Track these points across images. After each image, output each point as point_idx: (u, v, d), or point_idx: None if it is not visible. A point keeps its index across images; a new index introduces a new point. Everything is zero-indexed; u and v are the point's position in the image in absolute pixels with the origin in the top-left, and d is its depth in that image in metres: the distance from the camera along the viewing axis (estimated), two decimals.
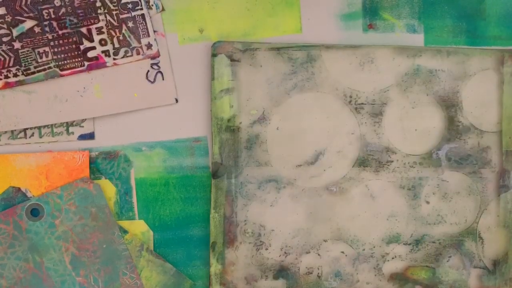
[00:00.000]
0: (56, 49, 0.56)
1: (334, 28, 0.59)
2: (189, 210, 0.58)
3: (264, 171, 0.58)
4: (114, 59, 0.57)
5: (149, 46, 0.57)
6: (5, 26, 0.56)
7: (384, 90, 0.58)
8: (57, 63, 0.56)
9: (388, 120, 0.58)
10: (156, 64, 0.58)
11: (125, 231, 0.57)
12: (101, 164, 0.58)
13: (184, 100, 0.58)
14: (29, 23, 0.56)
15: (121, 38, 0.57)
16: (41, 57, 0.56)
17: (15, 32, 0.56)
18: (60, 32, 0.56)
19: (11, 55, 0.56)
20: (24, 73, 0.56)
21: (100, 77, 0.57)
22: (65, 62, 0.56)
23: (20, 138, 0.57)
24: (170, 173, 0.58)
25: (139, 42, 0.57)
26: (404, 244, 0.59)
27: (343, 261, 0.59)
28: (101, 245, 0.57)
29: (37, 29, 0.56)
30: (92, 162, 0.57)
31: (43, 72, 0.56)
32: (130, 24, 0.57)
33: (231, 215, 0.58)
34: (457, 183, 0.59)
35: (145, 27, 0.57)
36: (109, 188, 0.57)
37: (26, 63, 0.56)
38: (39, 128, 0.57)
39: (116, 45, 0.57)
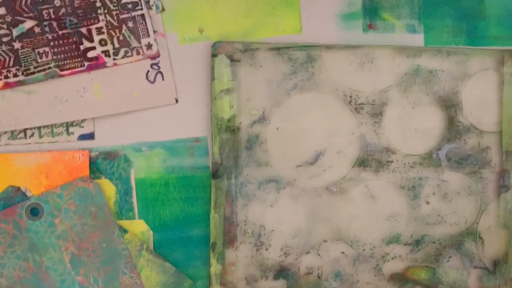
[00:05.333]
0: (56, 49, 0.56)
1: (334, 28, 0.59)
2: (189, 210, 0.58)
3: (264, 171, 0.58)
4: (114, 59, 0.57)
5: (149, 46, 0.57)
6: (5, 26, 0.56)
7: (384, 90, 0.58)
8: (57, 63, 0.56)
9: (388, 120, 0.58)
10: (156, 64, 0.58)
11: (125, 231, 0.57)
12: (101, 164, 0.58)
13: (184, 100, 0.58)
14: (29, 23, 0.56)
15: (121, 38, 0.57)
16: (41, 57, 0.56)
17: (15, 32, 0.56)
18: (60, 32, 0.56)
19: (11, 55, 0.56)
20: (24, 73, 0.56)
21: (100, 77, 0.57)
22: (65, 62, 0.56)
23: (20, 138, 0.57)
24: (170, 173, 0.58)
25: (139, 42, 0.57)
26: (404, 244, 0.59)
27: (343, 261, 0.59)
28: (100, 245, 0.57)
29: (37, 29, 0.56)
30: (92, 162, 0.57)
31: (43, 72, 0.56)
32: (130, 24, 0.57)
33: (231, 215, 0.58)
34: (457, 183, 0.59)
35: (145, 27, 0.57)
36: (109, 188, 0.57)
37: (26, 63, 0.56)
38: (39, 128, 0.57)
39: (116, 45, 0.57)
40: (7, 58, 0.56)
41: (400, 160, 0.58)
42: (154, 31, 0.57)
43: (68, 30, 0.56)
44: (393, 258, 0.59)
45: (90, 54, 0.57)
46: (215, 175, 0.57)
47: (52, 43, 0.56)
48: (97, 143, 0.58)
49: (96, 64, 0.57)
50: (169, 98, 0.58)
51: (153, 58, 0.57)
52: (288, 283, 0.58)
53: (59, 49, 0.56)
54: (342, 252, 0.59)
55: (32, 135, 0.57)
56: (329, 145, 0.58)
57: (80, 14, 0.56)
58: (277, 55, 0.58)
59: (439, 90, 0.59)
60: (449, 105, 0.59)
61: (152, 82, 0.57)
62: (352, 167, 0.58)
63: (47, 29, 0.56)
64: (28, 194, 0.56)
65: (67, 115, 0.57)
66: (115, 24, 0.57)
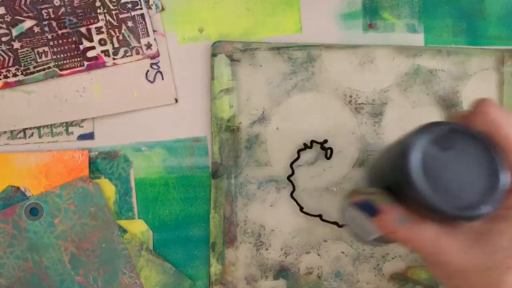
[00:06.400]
0: (55, 49, 0.56)
1: (334, 28, 0.59)
2: (189, 210, 0.58)
3: (264, 171, 0.58)
4: (113, 59, 0.57)
5: (148, 46, 0.57)
6: (4, 25, 0.56)
7: (384, 90, 0.58)
8: (56, 63, 0.56)
9: (388, 120, 0.58)
10: (156, 64, 0.57)
11: (124, 231, 0.57)
12: (100, 164, 0.58)
13: (184, 100, 0.58)
14: (28, 23, 0.56)
15: (120, 38, 0.57)
16: (40, 57, 0.56)
17: (15, 32, 0.56)
18: (59, 32, 0.56)
19: (11, 55, 0.56)
20: (24, 73, 0.56)
21: (100, 77, 0.57)
22: (65, 62, 0.56)
23: (20, 138, 0.57)
24: (169, 173, 0.58)
25: (139, 42, 0.57)
26: None
27: (343, 261, 0.59)
28: (100, 245, 0.57)
29: (36, 29, 0.56)
30: (92, 162, 0.57)
31: (42, 72, 0.56)
32: (130, 23, 0.57)
33: (231, 215, 0.58)
34: None
35: (144, 27, 0.57)
36: (108, 188, 0.57)
37: (26, 63, 0.56)
38: (38, 128, 0.57)
39: (116, 45, 0.57)
40: (7, 58, 0.56)
41: None
42: (154, 31, 0.57)
43: (68, 30, 0.56)
44: (393, 258, 0.59)
45: (90, 53, 0.57)
46: (215, 175, 0.57)
47: (51, 43, 0.56)
48: (96, 143, 0.58)
49: (96, 63, 0.57)
50: (169, 98, 0.58)
51: (152, 57, 0.57)
52: (288, 283, 0.58)
53: (59, 49, 0.56)
54: (342, 252, 0.59)
55: (32, 135, 0.57)
56: (329, 145, 0.58)
57: (80, 14, 0.56)
58: (277, 55, 0.58)
59: (439, 90, 0.59)
60: (449, 105, 0.59)
61: (152, 82, 0.57)
62: (352, 167, 0.58)
63: (46, 28, 0.56)
64: (28, 194, 0.56)
65: (66, 115, 0.57)
66: (115, 23, 0.57)
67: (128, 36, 0.57)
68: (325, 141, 0.58)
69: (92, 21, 0.56)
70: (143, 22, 0.57)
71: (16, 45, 0.56)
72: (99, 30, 0.57)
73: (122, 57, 0.57)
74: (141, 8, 0.57)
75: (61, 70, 0.56)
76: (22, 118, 0.56)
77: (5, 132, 0.57)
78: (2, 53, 0.56)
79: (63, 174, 0.57)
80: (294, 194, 0.58)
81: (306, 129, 0.58)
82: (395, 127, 0.58)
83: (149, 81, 0.57)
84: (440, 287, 0.59)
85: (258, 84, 0.58)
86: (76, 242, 0.56)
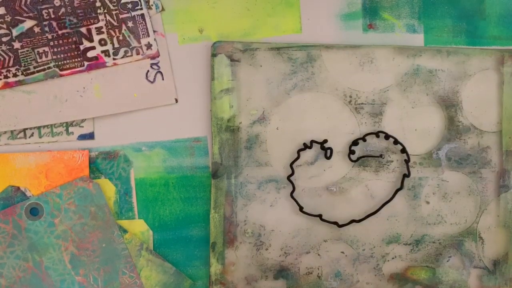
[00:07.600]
0: (55, 49, 0.56)
1: (334, 28, 0.59)
2: (189, 210, 0.58)
3: (264, 171, 0.58)
4: (113, 59, 0.57)
5: (148, 46, 0.57)
6: (4, 26, 0.56)
7: (384, 90, 0.58)
8: (56, 63, 0.56)
9: (388, 120, 0.58)
10: (156, 64, 0.58)
11: (124, 231, 0.57)
12: (101, 164, 0.58)
13: (184, 100, 0.58)
14: (28, 23, 0.56)
15: (120, 38, 0.57)
16: (40, 57, 0.56)
17: (15, 32, 0.56)
18: (59, 32, 0.56)
19: (11, 55, 0.56)
20: (24, 73, 0.56)
21: (100, 77, 0.57)
22: (65, 62, 0.56)
23: (20, 138, 0.57)
24: (170, 173, 0.58)
25: (139, 42, 0.57)
26: (404, 244, 0.59)
27: (343, 261, 0.59)
28: (100, 245, 0.57)
29: (36, 29, 0.56)
30: (92, 162, 0.57)
31: (42, 72, 0.56)
32: (130, 24, 0.57)
33: (231, 215, 0.58)
34: (457, 183, 0.59)
35: (144, 27, 0.57)
36: (108, 188, 0.57)
37: (26, 63, 0.56)
38: (38, 128, 0.57)
39: (116, 45, 0.57)
40: (7, 58, 0.56)
41: (400, 160, 0.58)
42: (154, 31, 0.57)
43: (68, 30, 0.56)
44: (393, 258, 0.59)
45: (90, 54, 0.57)
46: (215, 175, 0.57)
47: (51, 43, 0.56)
48: (96, 143, 0.58)
49: (96, 64, 0.57)
50: (169, 98, 0.58)
51: (152, 58, 0.57)
52: (288, 283, 0.58)
53: (59, 49, 0.56)
54: (342, 252, 0.59)
55: (32, 135, 0.57)
56: (329, 145, 0.58)
57: (80, 14, 0.56)
58: (277, 55, 0.58)
59: (439, 90, 0.59)
60: (449, 105, 0.59)
61: (152, 82, 0.57)
62: (352, 167, 0.58)
63: (47, 29, 0.56)
64: (28, 194, 0.56)
65: (66, 115, 0.57)
66: (115, 24, 0.57)
67: (128, 36, 0.57)
68: (325, 141, 0.58)
69: (92, 21, 0.56)
70: (143, 22, 0.57)
71: (17, 45, 0.56)
72: (99, 30, 0.57)
73: (122, 57, 0.57)
74: (141, 8, 0.57)
75: (61, 70, 0.56)
76: (22, 118, 0.56)
77: (5, 132, 0.57)
78: (3, 53, 0.56)
79: (63, 174, 0.57)
80: (294, 194, 0.58)
81: (306, 129, 0.58)
82: (395, 127, 0.58)
83: (149, 81, 0.57)
84: (440, 287, 0.59)
85: (258, 84, 0.58)
86: (76, 242, 0.56)
